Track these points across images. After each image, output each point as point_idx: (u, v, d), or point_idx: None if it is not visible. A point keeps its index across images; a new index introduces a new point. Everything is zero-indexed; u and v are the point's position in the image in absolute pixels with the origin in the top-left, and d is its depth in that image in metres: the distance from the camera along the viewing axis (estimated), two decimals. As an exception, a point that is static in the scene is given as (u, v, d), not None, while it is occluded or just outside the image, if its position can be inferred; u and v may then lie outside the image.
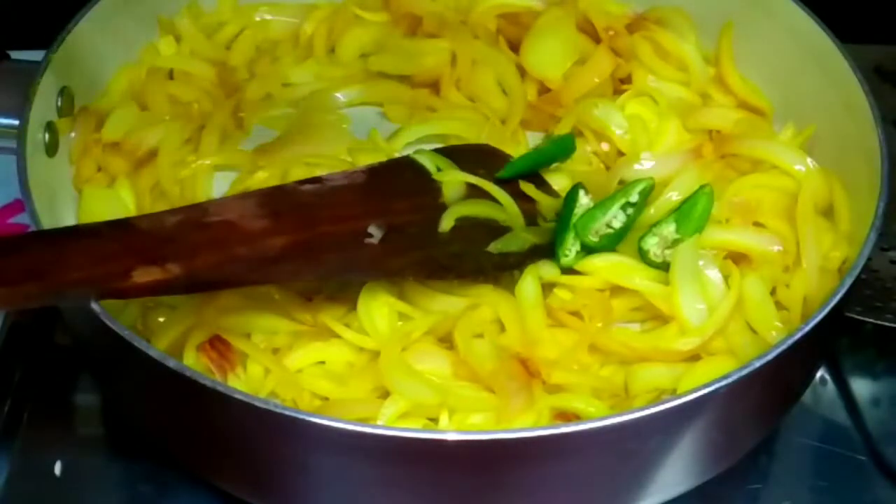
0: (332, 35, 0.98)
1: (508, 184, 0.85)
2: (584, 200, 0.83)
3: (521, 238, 0.82)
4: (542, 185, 0.87)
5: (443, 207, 0.82)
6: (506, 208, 0.83)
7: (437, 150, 0.87)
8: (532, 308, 0.78)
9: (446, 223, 0.81)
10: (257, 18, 0.99)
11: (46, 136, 0.82)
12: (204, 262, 0.70)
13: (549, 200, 0.85)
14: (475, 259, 0.80)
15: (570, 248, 0.81)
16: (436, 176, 0.84)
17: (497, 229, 0.82)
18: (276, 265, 0.73)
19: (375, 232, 0.78)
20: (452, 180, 0.84)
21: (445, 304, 0.78)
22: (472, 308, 0.77)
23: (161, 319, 0.77)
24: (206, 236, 0.71)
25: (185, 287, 0.70)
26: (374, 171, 0.84)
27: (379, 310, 0.77)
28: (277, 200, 0.77)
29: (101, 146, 0.88)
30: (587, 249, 0.81)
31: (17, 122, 0.79)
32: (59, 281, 0.64)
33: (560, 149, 0.89)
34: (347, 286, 0.78)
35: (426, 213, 0.82)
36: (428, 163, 0.85)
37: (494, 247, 0.81)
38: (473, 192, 0.84)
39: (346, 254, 0.77)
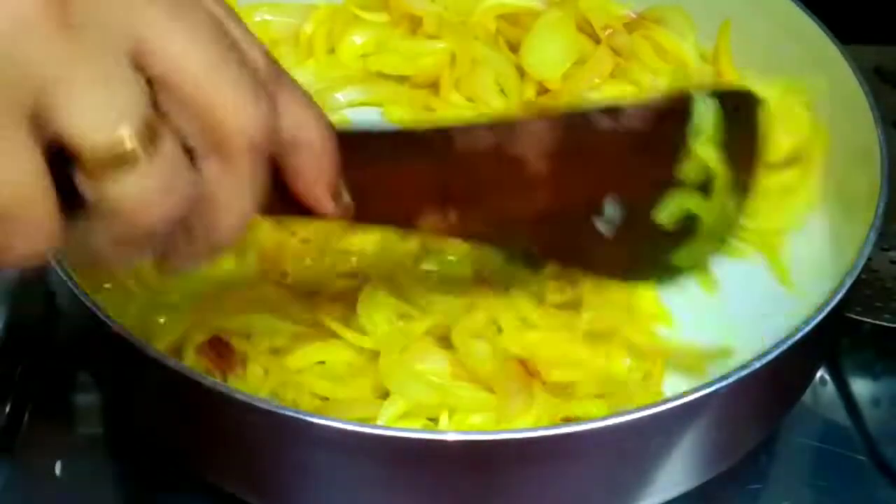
0: (332, 35, 0.98)
1: None
2: None
3: (700, 250, 0.71)
4: None
5: (665, 186, 0.67)
6: (716, 210, 0.69)
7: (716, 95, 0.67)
8: (528, 309, 0.78)
9: (669, 213, 0.67)
10: (257, 19, 0.99)
11: (46, 136, 0.82)
12: (480, 217, 0.61)
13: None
14: (647, 264, 0.70)
15: None
16: (700, 149, 0.66)
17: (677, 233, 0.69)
18: (519, 232, 0.64)
19: (611, 212, 0.64)
20: (709, 161, 0.67)
21: (444, 304, 0.78)
22: (470, 309, 0.77)
23: (161, 321, 0.77)
24: (493, 175, 0.61)
25: (456, 234, 0.62)
26: (654, 116, 0.65)
27: (379, 310, 0.77)
28: (571, 134, 0.62)
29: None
30: None
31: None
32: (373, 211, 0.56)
33: None
34: (346, 285, 0.78)
35: (656, 191, 0.67)
36: (708, 120, 0.66)
37: (676, 258, 0.70)
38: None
39: (576, 239, 0.65)
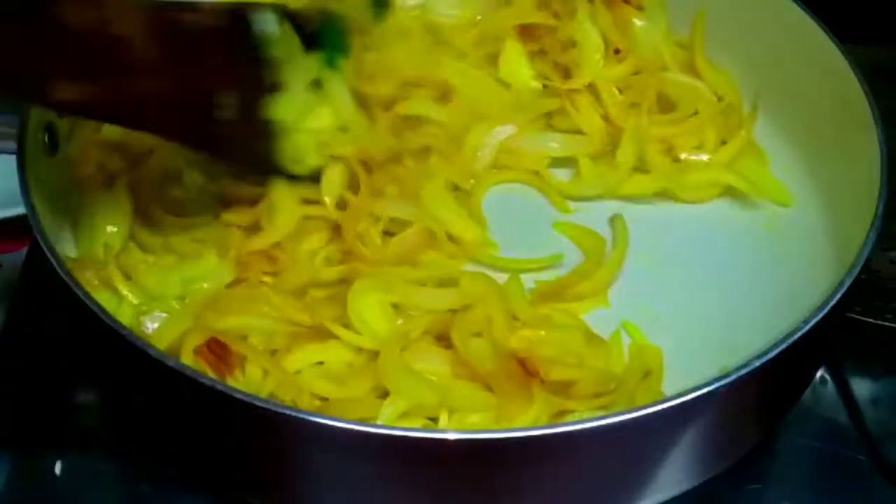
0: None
1: None
2: None
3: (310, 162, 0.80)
4: None
5: (264, 89, 0.76)
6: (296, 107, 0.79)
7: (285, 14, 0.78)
8: (517, 297, 0.79)
9: (273, 111, 0.77)
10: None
11: (46, 136, 0.82)
12: (104, 92, 0.68)
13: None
14: (270, 162, 0.79)
15: None
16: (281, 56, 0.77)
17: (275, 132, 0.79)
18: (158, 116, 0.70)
19: (228, 103, 0.73)
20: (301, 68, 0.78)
21: (438, 300, 0.78)
22: (467, 307, 0.77)
23: (156, 325, 0.77)
24: (100, 51, 0.68)
25: (91, 110, 0.69)
26: (236, 17, 0.75)
27: (370, 308, 0.77)
28: (167, 26, 0.71)
29: (100, 146, 0.88)
30: None
31: (17, 122, 0.79)
32: None
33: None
34: (343, 285, 0.78)
35: (258, 92, 0.76)
36: (273, 30, 0.77)
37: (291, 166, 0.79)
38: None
39: (206, 122, 0.73)
